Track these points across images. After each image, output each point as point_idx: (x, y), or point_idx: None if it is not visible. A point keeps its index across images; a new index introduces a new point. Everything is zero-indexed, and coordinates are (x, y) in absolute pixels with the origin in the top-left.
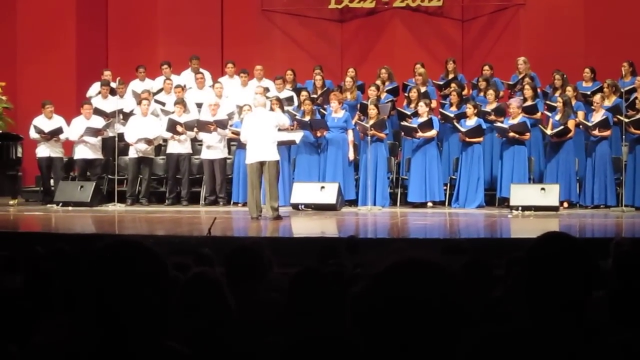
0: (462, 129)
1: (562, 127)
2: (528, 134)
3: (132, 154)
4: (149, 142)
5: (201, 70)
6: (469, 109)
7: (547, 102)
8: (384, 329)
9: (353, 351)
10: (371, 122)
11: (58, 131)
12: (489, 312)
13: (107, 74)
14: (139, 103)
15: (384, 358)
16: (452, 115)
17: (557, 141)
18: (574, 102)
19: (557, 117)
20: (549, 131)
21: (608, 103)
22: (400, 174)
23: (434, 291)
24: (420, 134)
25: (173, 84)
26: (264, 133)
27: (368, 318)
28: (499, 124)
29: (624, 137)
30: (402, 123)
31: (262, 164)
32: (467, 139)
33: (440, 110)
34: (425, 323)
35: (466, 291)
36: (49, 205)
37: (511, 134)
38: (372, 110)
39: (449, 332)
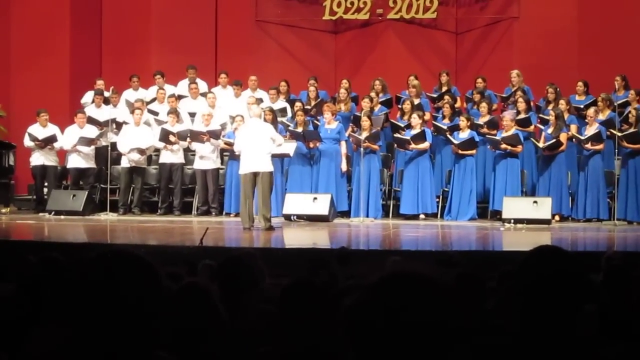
0: (455, 142)
1: (554, 140)
2: (520, 146)
3: (125, 163)
4: (141, 152)
5: (196, 80)
6: (462, 121)
7: (541, 115)
8: (377, 340)
9: None
10: (364, 134)
11: (52, 139)
12: (481, 325)
13: (100, 83)
14: (132, 112)
15: None
16: (444, 127)
17: (549, 154)
18: (567, 115)
19: (550, 131)
20: (541, 144)
21: (602, 117)
22: (393, 186)
23: (428, 304)
24: (413, 146)
25: (166, 93)
26: (259, 144)
27: (361, 329)
28: (491, 136)
29: (616, 150)
30: (395, 135)
31: (255, 174)
32: (460, 152)
33: (433, 122)
34: (418, 336)
35: (459, 304)
36: (41, 214)
37: (503, 145)
38: (365, 122)
39: (441, 345)
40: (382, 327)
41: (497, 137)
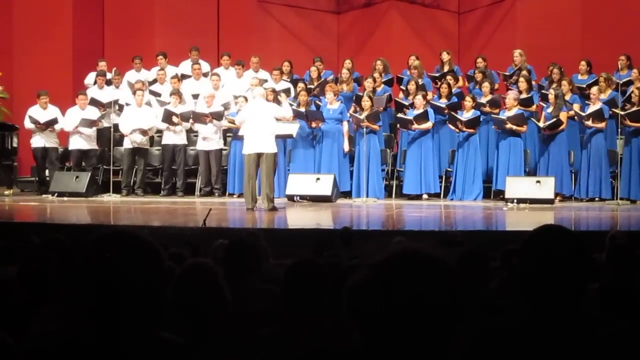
0: (462, 119)
1: (554, 119)
2: (525, 126)
3: (127, 144)
4: (143, 132)
5: (199, 61)
6: (468, 102)
7: (543, 91)
8: (381, 319)
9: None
10: (365, 113)
11: (53, 122)
12: (485, 304)
13: (102, 65)
14: (134, 93)
15: (381, 348)
16: (443, 106)
17: (549, 134)
18: (569, 95)
19: (549, 110)
20: (541, 124)
21: (604, 96)
22: (396, 166)
23: (433, 283)
24: (415, 125)
25: (168, 74)
26: (263, 124)
27: (365, 308)
28: (496, 116)
29: (619, 130)
30: (398, 115)
31: (259, 155)
32: (465, 129)
33: (431, 102)
34: (422, 315)
35: (463, 284)
36: (44, 196)
37: (508, 125)
38: (366, 102)
39: (446, 324)
40: (386, 306)
41: (502, 117)
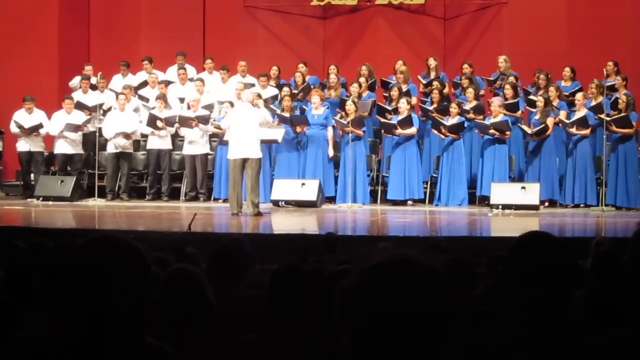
0: (446, 124)
1: (542, 125)
2: (509, 132)
3: (111, 149)
4: (126, 136)
5: (185, 65)
6: (454, 108)
7: (529, 97)
8: (372, 324)
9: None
10: (349, 118)
11: (37, 127)
12: (471, 311)
13: (88, 69)
14: (117, 98)
15: (370, 354)
16: (431, 108)
17: (535, 139)
18: (557, 101)
19: (537, 116)
20: (529, 130)
21: (595, 103)
22: (380, 172)
23: (424, 290)
24: (399, 131)
25: (158, 79)
26: (248, 129)
27: (356, 313)
28: (480, 121)
29: (605, 136)
30: (381, 120)
31: (244, 160)
32: (448, 134)
33: (421, 105)
34: (413, 321)
35: (453, 291)
36: (29, 200)
37: (492, 131)
38: (350, 107)
39: (436, 331)
40: (378, 311)
41: (486, 122)
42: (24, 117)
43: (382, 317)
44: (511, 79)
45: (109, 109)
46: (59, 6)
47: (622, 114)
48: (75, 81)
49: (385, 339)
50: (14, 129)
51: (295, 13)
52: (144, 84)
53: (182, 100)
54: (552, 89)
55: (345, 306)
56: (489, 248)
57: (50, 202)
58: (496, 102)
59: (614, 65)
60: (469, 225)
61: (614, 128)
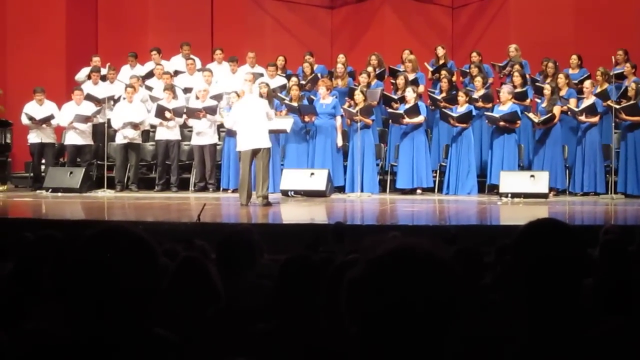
0: (454, 114)
1: (549, 114)
2: (519, 122)
3: (119, 140)
4: (135, 126)
5: (192, 56)
6: (461, 97)
7: (537, 84)
8: (379, 314)
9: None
10: (358, 108)
11: (49, 118)
12: (479, 300)
13: (96, 60)
14: (125, 89)
15: (378, 343)
16: (439, 97)
17: (542, 128)
18: (565, 89)
19: (544, 105)
20: (536, 119)
21: (600, 89)
22: (387, 160)
23: (432, 279)
24: (407, 120)
25: (163, 69)
26: (257, 120)
27: (363, 303)
28: (489, 113)
29: (614, 124)
30: (388, 110)
31: (255, 151)
32: (457, 124)
33: (429, 94)
34: (421, 311)
35: (462, 280)
36: (38, 191)
37: (502, 122)
38: (359, 96)
39: (443, 321)
40: (385, 301)
41: (496, 115)
42: (34, 108)
43: (388, 307)
44: (517, 67)
45: (118, 98)
46: None
47: (632, 102)
48: (82, 74)
49: (391, 328)
50: (25, 120)
51: (302, 3)
52: (150, 74)
53: (189, 90)
54: (561, 76)
55: (352, 296)
56: (498, 237)
57: (59, 194)
58: (506, 89)
59: (624, 54)
60: (478, 214)
61: (623, 116)
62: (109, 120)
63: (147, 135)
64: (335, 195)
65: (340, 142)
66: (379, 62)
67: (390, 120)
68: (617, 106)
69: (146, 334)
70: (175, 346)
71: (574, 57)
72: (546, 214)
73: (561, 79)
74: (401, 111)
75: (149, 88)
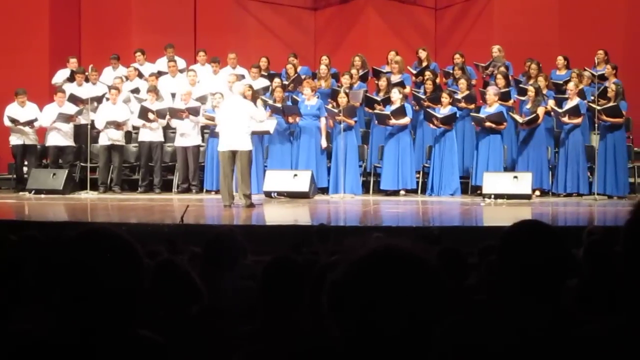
0: (438, 115)
1: (533, 115)
2: (505, 123)
3: (103, 141)
4: (118, 126)
5: (175, 57)
6: (445, 98)
7: (521, 85)
8: (361, 316)
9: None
10: (340, 108)
11: (33, 121)
12: (463, 301)
13: (72, 62)
14: (109, 90)
15: (360, 346)
16: (423, 97)
17: (526, 129)
18: (545, 90)
19: (528, 106)
20: (520, 119)
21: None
22: (369, 162)
23: (414, 280)
24: (393, 121)
25: (145, 72)
26: (238, 122)
27: (345, 305)
28: (475, 114)
29: (596, 125)
30: (375, 111)
31: (234, 152)
32: (441, 125)
33: (414, 93)
34: (403, 312)
35: (445, 281)
36: (21, 193)
37: (487, 124)
38: (342, 98)
39: (426, 322)
40: (365, 303)
41: (481, 115)
42: (16, 110)
43: (370, 309)
44: (502, 69)
45: (101, 99)
46: (49, 0)
47: (613, 104)
48: (59, 78)
49: (374, 330)
50: (7, 122)
51: (285, 4)
52: (140, 74)
53: (173, 95)
54: (540, 78)
55: (334, 299)
56: (481, 238)
57: (42, 195)
58: (491, 91)
59: (604, 54)
60: (461, 215)
61: (604, 117)
62: (92, 121)
63: (130, 136)
64: (319, 197)
65: (324, 144)
66: (363, 63)
67: (376, 122)
68: (599, 107)
69: (131, 336)
70: (159, 347)
71: (560, 58)
72: (529, 215)
73: (541, 81)
74: (387, 112)
75: (136, 90)
